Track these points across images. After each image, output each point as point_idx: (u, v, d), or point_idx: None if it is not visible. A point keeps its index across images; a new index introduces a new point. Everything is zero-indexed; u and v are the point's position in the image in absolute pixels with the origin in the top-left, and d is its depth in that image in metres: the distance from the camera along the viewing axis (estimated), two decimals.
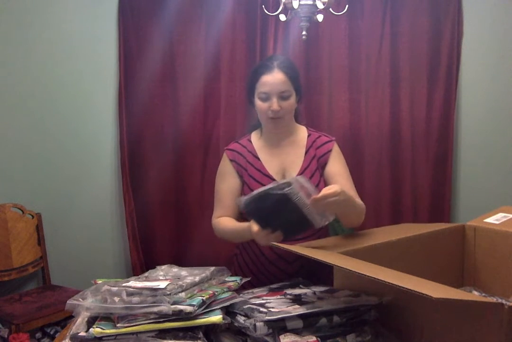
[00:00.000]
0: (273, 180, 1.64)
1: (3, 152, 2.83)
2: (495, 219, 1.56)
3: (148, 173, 3.09)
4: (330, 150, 1.68)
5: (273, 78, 1.56)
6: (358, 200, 1.60)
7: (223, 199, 1.69)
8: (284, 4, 2.24)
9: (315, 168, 1.65)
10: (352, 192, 1.63)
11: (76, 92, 2.96)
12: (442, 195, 3.07)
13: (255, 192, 1.34)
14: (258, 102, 1.61)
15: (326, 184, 1.64)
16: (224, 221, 1.66)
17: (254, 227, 1.38)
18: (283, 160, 1.67)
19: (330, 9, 2.26)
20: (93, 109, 3.02)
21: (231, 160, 1.70)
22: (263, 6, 2.52)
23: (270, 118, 1.61)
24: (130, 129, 3.02)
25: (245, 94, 1.70)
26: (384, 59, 3.00)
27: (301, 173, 1.63)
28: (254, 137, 1.74)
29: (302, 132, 1.73)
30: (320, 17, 2.29)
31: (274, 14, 2.36)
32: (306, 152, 1.68)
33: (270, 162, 1.68)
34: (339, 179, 1.64)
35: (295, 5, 2.17)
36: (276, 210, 1.33)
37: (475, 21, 2.96)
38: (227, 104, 2.98)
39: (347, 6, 2.39)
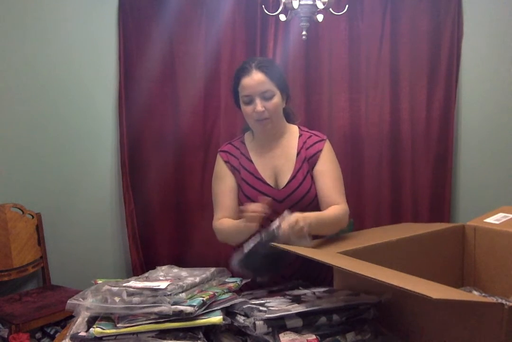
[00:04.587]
0: (266, 183, 1.62)
1: (3, 152, 2.83)
2: (495, 219, 1.56)
3: (148, 173, 3.09)
4: (320, 150, 1.65)
5: (252, 80, 1.54)
6: (333, 209, 1.58)
7: (222, 200, 1.66)
8: (284, 4, 2.24)
9: (307, 170, 1.63)
10: (337, 193, 1.61)
11: (76, 92, 2.96)
12: (442, 195, 3.07)
13: (246, 248, 1.35)
14: (243, 106, 1.59)
15: (315, 184, 1.63)
16: (224, 222, 1.63)
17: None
18: (275, 163, 1.65)
19: (330, 9, 2.26)
20: (93, 109, 3.02)
21: (225, 161, 1.69)
22: (263, 6, 2.52)
23: (256, 121, 1.58)
24: (130, 129, 3.02)
25: (233, 99, 1.67)
26: (384, 59, 3.00)
27: (293, 176, 1.62)
28: (247, 139, 1.72)
29: (294, 132, 1.70)
30: (320, 17, 2.29)
31: (274, 14, 2.36)
32: (297, 154, 1.65)
33: (262, 166, 1.65)
34: (325, 179, 1.62)
35: (295, 5, 2.17)
36: (269, 255, 1.36)
37: (475, 21, 2.96)
38: (227, 104, 2.97)
39: (347, 6, 2.39)
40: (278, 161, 1.65)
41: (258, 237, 1.37)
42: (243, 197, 1.63)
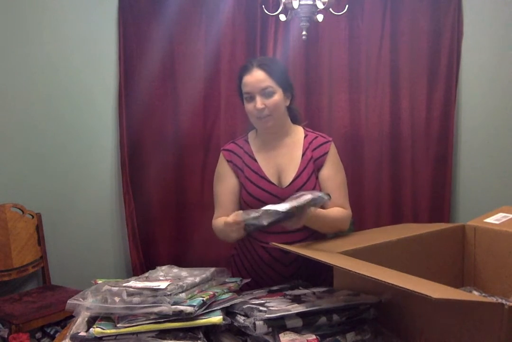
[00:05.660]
0: (270, 182, 1.62)
1: (3, 152, 2.83)
2: (495, 219, 1.56)
3: (148, 173, 3.09)
4: (326, 153, 1.66)
5: (252, 77, 1.57)
6: (337, 211, 1.61)
7: (222, 200, 1.67)
8: (284, 4, 2.24)
9: (312, 171, 1.63)
10: (342, 199, 1.64)
11: (76, 92, 2.96)
12: (442, 195, 3.07)
13: (300, 198, 1.37)
14: (245, 104, 1.61)
15: (320, 187, 1.64)
16: (219, 220, 1.63)
17: (229, 218, 1.41)
18: (280, 163, 1.65)
19: (330, 9, 2.26)
20: (93, 109, 3.02)
21: (228, 161, 1.69)
22: (263, 6, 2.52)
23: (257, 118, 1.60)
24: (130, 129, 3.02)
25: (238, 98, 1.69)
26: (384, 59, 3.00)
27: (297, 175, 1.62)
28: (251, 137, 1.72)
29: (299, 133, 1.70)
30: (320, 17, 2.29)
31: (274, 14, 2.36)
32: (303, 154, 1.65)
33: (266, 164, 1.66)
34: (330, 184, 1.64)
35: (295, 5, 2.17)
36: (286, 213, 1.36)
37: (475, 21, 2.96)
38: (227, 104, 2.98)
39: (347, 6, 2.39)
40: (282, 160, 1.66)
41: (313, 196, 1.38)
42: (247, 195, 1.63)
